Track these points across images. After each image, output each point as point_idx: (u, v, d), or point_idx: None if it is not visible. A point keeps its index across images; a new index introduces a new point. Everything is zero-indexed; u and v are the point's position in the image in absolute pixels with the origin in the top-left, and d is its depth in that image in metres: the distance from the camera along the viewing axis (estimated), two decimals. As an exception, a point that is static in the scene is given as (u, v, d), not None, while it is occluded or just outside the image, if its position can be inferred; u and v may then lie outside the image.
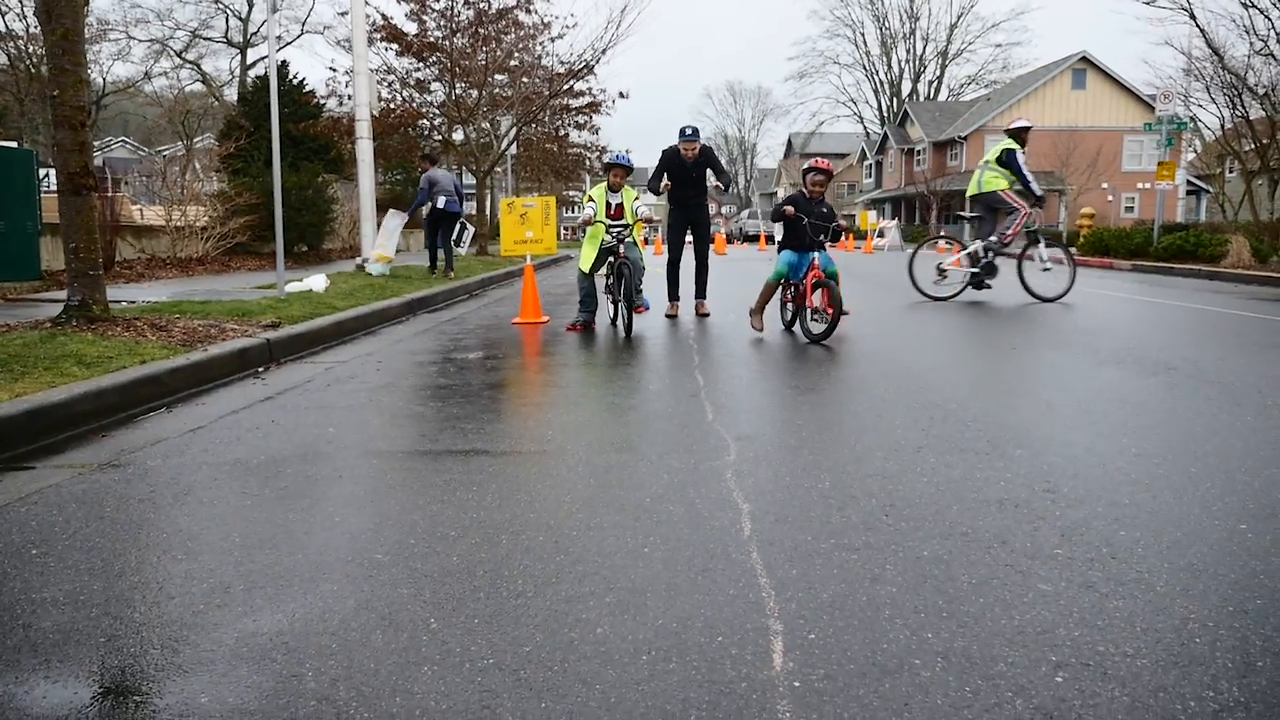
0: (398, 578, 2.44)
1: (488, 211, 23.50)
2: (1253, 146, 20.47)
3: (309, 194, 17.12)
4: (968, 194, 10.85)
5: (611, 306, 8.17)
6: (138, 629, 2.15)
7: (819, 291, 6.93)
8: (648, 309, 8.34)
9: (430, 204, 13.21)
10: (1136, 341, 6.82)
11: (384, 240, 12.64)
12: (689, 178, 8.86)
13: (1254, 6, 16.16)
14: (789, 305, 7.52)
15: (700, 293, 9.15)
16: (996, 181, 10.25)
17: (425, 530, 2.81)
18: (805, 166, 7.45)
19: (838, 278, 7.03)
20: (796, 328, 7.45)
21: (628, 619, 2.18)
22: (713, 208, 8.64)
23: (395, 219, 12.81)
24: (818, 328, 6.89)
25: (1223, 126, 21.89)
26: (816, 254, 7.09)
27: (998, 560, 2.52)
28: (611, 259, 7.98)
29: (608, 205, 8.07)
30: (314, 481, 3.36)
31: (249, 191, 15.36)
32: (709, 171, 8.92)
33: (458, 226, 13.96)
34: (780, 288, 7.44)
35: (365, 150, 12.81)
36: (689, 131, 8.81)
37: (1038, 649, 2.01)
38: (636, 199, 8.27)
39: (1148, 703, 1.79)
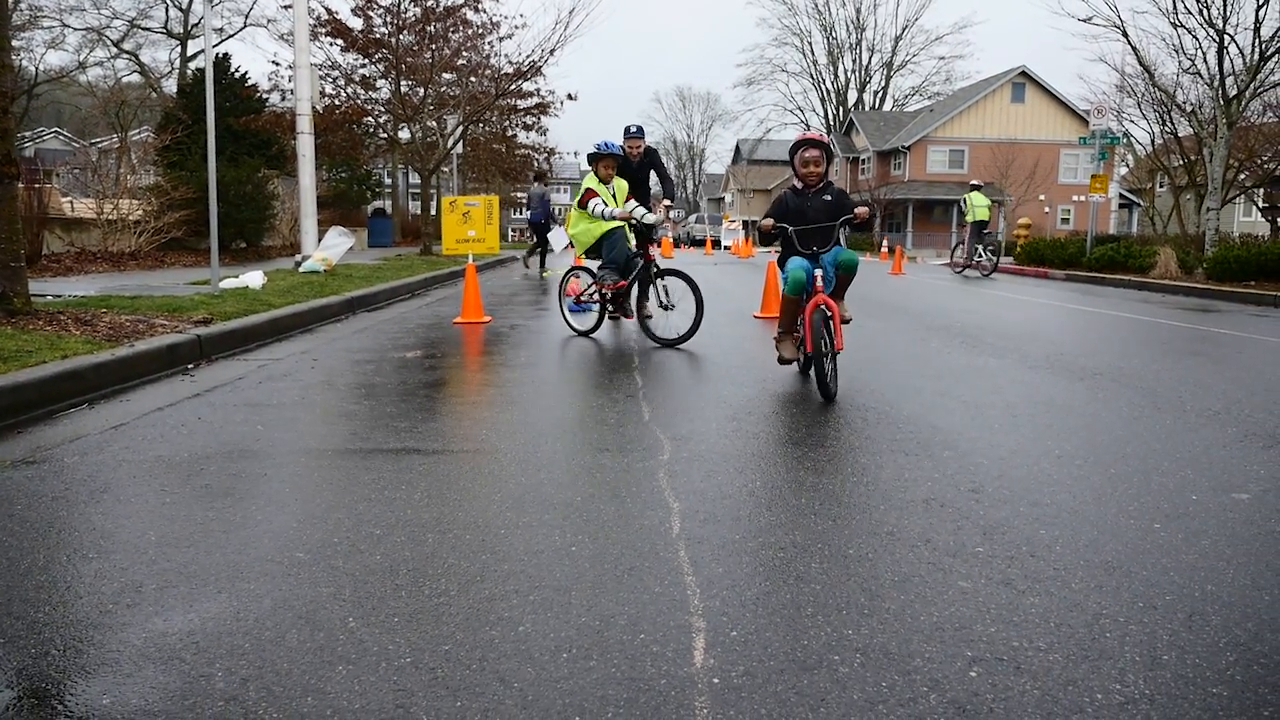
0: (318, 576, 2.39)
1: (432, 211, 23.23)
2: (1181, 162, 21.19)
3: (248, 189, 16.74)
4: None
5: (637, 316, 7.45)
6: (39, 629, 2.07)
7: (821, 316, 4.78)
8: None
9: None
10: (1066, 347, 7.00)
11: (325, 252, 12.44)
12: (633, 179, 8.85)
13: (1183, 26, 16.74)
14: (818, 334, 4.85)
15: (644, 294, 9.15)
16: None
17: (350, 528, 2.76)
18: (793, 143, 5.22)
19: (854, 269, 5.14)
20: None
21: (551, 617, 2.16)
22: (659, 212, 8.27)
23: (341, 236, 12.66)
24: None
25: (1153, 142, 22.62)
26: (830, 258, 5.06)
27: (920, 558, 2.55)
28: (639, 259, 7.23)
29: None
30: (238, 479, 3.28)
31: (185, 185, 14.96)
32: (652, 175, 8.92)
33: (548, 233, 16.53)
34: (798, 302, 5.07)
35: (306, 146, 12.58)
36: (633, 129, 8.81)
37: (954, 644, 2.04)
38: (629, 197, 7.62)
39: (1057, 696, 1.83)
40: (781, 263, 5.26)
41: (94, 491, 3.11)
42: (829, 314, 4.78)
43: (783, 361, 5.25)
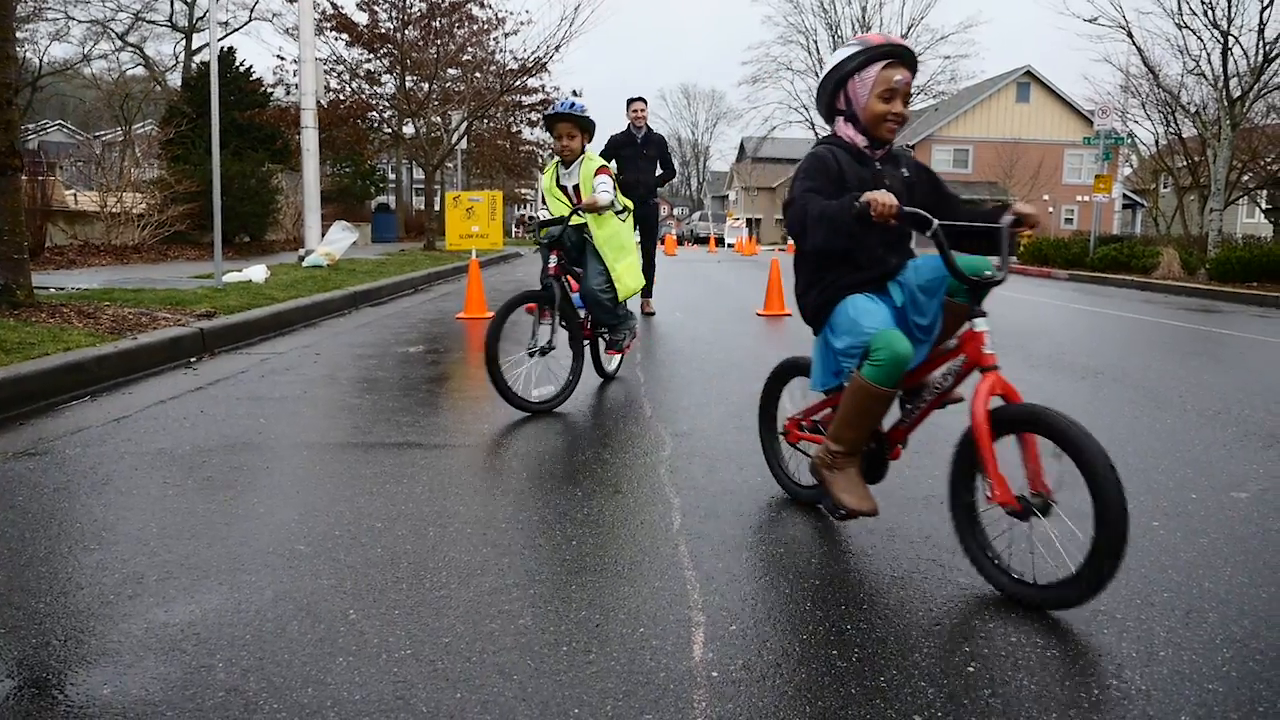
0: (319, 569, 2.40)
1: (436, 207, 23.24)
2: (1185, 163, 21.16)
3: (252, 184, 16.75)
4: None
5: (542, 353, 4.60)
6: (40, 619, 2.08)
7: (987, 395, 2.31)
8: (624, 348, 5.17)
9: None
10: (1068, 347, 6.99)
11: (328, 247, 12.46)
12: (639, 157, 8.71)
13: (1187, 28, 16.70)
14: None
15: (647, 291, 9.15)
16: None
17: (351, 522, 2.77)
18: (853, 54, 2.56)
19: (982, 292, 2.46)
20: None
21: (551, 611, 2.16)
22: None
23: (345, 231, 12.67)
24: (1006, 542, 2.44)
25: (1157, 143, 22.59)
26: (928, 273, 2.57)
27: (920, 555, 2.56)
28: (547, 278, 4.59)
29: (561, 190, 4.88)
30: (240, 472, 3.29)
31: (189, 179, 14.97)
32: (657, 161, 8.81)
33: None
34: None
35: (310, 140, 12.59)
36: (637, 95, 8.75)
37: (953, 640, 2.05)
38: (601, 173, 4.73)
39: (1054, 690, 1.83)
40: (818, 301, 2.66)
41: (96, 483, 3.12)
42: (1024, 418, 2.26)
43: (843, 513, 2.66)
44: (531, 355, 4.52)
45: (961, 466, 2.42)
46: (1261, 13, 15.67)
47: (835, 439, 2.59)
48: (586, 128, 4.78)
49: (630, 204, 5.07)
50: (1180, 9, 16.55)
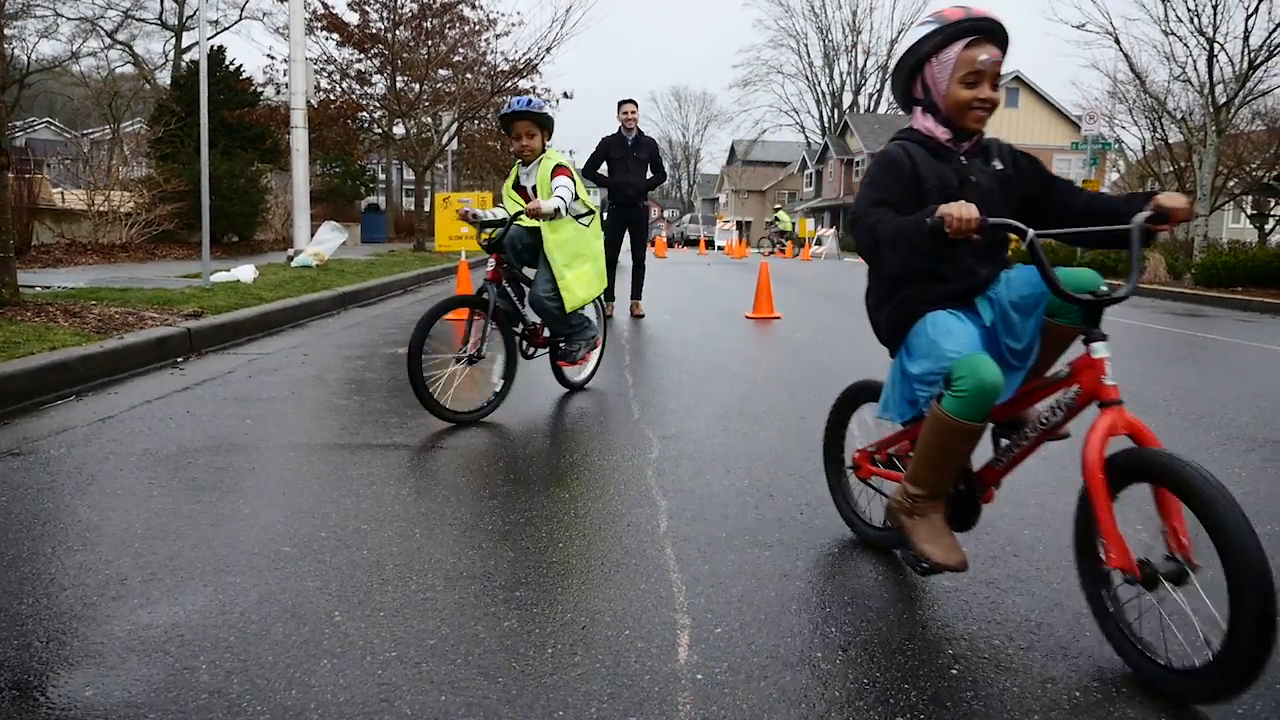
0: (304, 570, 2.39)
1: (426, 207, 23.19)
2: (1171, 169, 21.30)
3: (241, 183, 16.68)
4: None
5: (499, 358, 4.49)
6: (23, 621, 2.06)
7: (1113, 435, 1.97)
8: (577, 360, 4.82)
9: None
10: (1055, 351, 7.02)
11: (317, 247, 12.43)
12: (630, 159, 8.73)
13: (1173, 34, 16.82)
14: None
15: (636, 293, 9.16)
16: None
17: (338, 523, 2.76)
18: (930, 30, 2.19)
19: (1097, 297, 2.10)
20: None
21: (536, 613, 2.17)
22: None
23: (334, 232, 12.64)
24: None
25: (1144, 148, 22.74)
26: (1021, 287, 2.20)
27: (905, 556, 2.56)
28: (484, 282, 4.36)
29: (519, 189, 4.65)
30: (225, 473, 3.27)
31: (178, 178, 14.90)
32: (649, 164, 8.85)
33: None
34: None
35: (300, 140, 12.56)
36: (628, 98, 8.79)
37: (936, 642, 2.06)
38: (559, 174, 4.44)
39: (1035, 693, 1.84)
40: (893, 319, 2.32)
41: (80, 484, 3.11)
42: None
43: (926, 567, 2.24)
44: (459, 362, 4.31)
45: (1085, 522, 2.04)
46: (1246, 20, 15.79)
47: (914, 480, 2.22)
48: (546, 125, 4.49)
49: (594, 206, 4.80)
50: (1166, 16, 16.67)
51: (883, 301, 2.35)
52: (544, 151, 4.54)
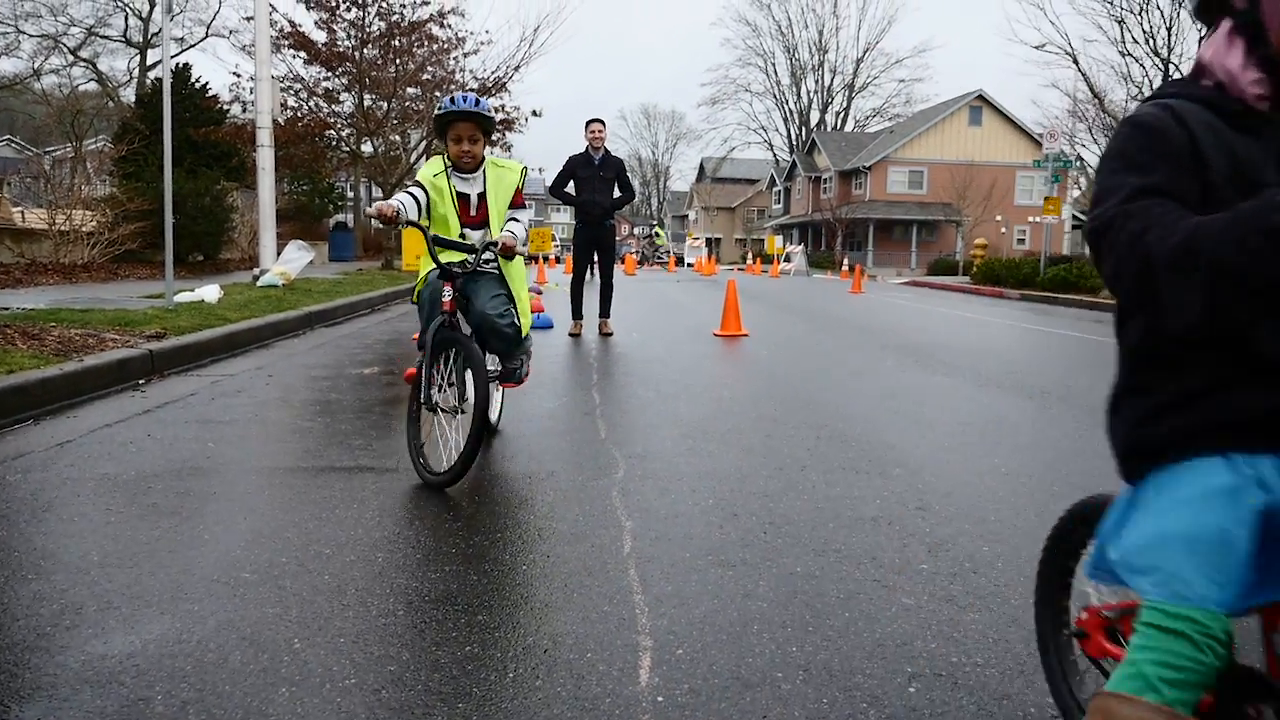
0: (264, 597, 2.37)
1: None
2: (1131, 186, 21.76)
3: (206, 202, 16.52)
4: None
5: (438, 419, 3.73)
6: (-27, 653, 2.03)
7: None
8: (523, 378, 4.28)
9: None
10: (1017, 366, 7.14)
11: (283, 266, 12.34)
12: (597, 178, 8.77)
13: (1130, 55, 17.26)
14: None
15: (604, 312, 9.17)
16: None
17: (299, 548, 2.74)
18: None
19: None
20: None
21: (499, 636, 2.16)
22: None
23: (301, 251, 12.56)
24: None
25: (1105, 166, 23.22)
26: None
27: (866, 575, 2.60)
28: (439, 323, 3.69)
29: (455, 197, 3.93)
30: (186, 498, 3.24)
31: (142, 197, 14.72)
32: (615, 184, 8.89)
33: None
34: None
35: (266, 159, 12.48)
36: (595, 117, 8.85)
37: (895, 661, 2.08)
38: (519, 201, 4.07)
39: (992, 710, 1.87)
40: (1134, 439, 1.32)
41: (36, 510, 3.06)
42: None
43: None
44: (446, 413, 3.68)
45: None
46: (1199, 41, 16.24)
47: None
48: (490, 130, 3.93)
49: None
50: (1124, 38, 17.10)
51: (1130, 390, 1.34)
52: (483, 160, 3.97)
